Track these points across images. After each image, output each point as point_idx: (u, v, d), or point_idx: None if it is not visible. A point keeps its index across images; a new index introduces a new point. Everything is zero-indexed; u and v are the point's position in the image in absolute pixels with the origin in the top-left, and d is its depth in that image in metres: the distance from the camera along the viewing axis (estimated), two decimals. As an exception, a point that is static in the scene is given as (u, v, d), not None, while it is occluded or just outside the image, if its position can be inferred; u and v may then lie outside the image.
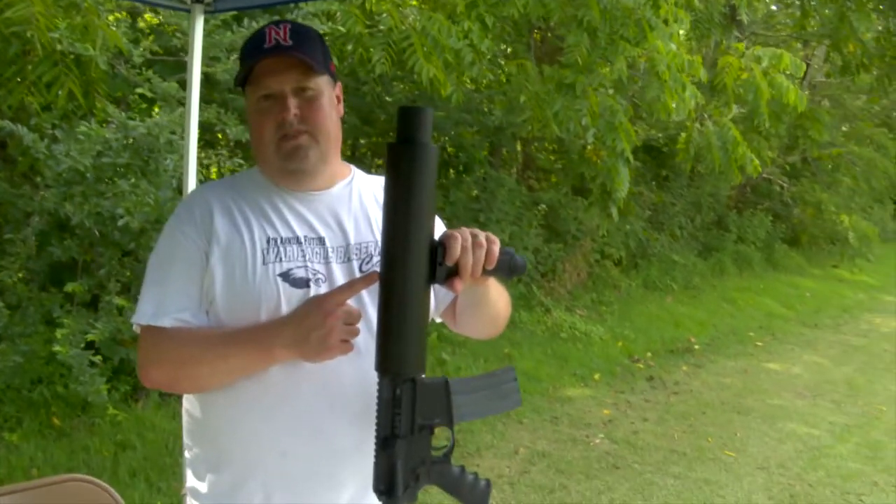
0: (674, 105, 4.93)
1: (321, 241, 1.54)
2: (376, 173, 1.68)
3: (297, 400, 1.47)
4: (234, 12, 4.95)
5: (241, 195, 1.56)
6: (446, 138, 9.01)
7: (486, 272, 1.34)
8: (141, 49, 4.74)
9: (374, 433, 1.29)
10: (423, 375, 1.31)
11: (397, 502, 1.27)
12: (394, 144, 1.25)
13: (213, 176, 5.55)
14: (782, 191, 13.71)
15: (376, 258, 1.56)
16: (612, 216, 6.28)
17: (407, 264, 1.26)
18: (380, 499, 1.28)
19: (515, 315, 7.46)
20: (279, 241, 1.51)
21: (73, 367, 4.20)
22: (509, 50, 8.60)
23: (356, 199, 1.62)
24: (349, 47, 4.88)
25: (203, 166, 5.35)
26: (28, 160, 4.63)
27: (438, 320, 1.72)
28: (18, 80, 3.69)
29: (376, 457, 1.29)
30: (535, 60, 6.87)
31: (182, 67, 5.23)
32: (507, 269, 1.36)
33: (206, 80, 4.88)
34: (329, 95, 1.55)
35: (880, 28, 8.06)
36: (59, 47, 3.63)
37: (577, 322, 8.09)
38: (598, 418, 5.79)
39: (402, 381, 1.28)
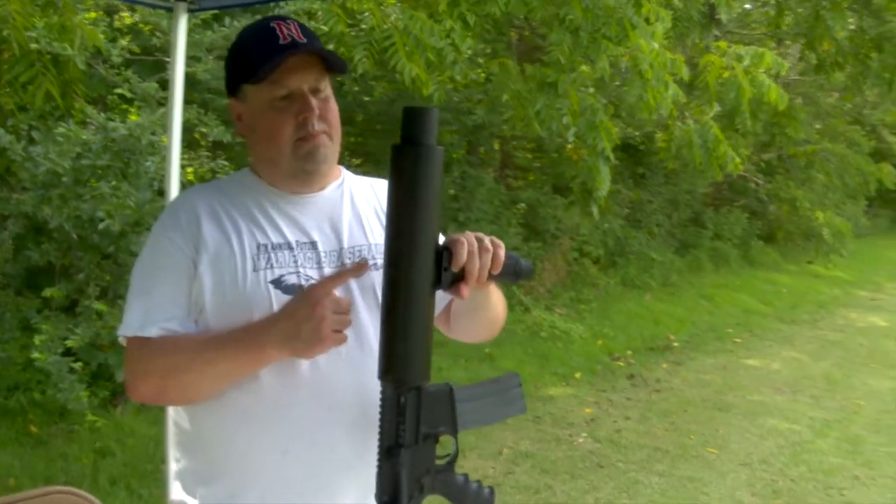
0: (656, 104, 4.94)
1: (313, 245, 1.50)
2: (357, 174, 1.67)
3: (292, 408, 1.43)
4: (214, 12, 4.89)
5: (228, 199, 1.52)
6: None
7: (491, 277, 1.32)
8: (119, 49, 4.68)
9: (373, 441, 1.26)
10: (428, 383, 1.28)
11: (401, 513, 1.23)
12: (398, 145, 1.22)
13: (190, 177, 5.48)
14: (758, 188, 13.82)
15: (370, 262, 1.53)
16: (592, 215, 6.29)
17: (412, 269, 1.22)
18: (383, 510, 1.25)
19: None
20: (270, 246, 1.47)
21: (51, 373, 4.13)
22: (489, 49, 8.59)
23: (348, 202, 1.58)
24: (331, 46, 4.83)
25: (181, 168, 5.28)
26: (4, 162, 4.55)
27: None
28: (-6, 80, 3.63)
29: (379, 467, 1.26)
30: (516, 59, 6.86)
31: (161, 67, 5.16)
32: (512, 274, 1.34)
33: (187, 80, 4.82)
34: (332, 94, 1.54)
35: (852, 27, 8.13)
36: (35, 46, 3.56)
37: (557, 321, 8.09)
38: (580, 417, 5.79)
39: (406, 389, 1.25)
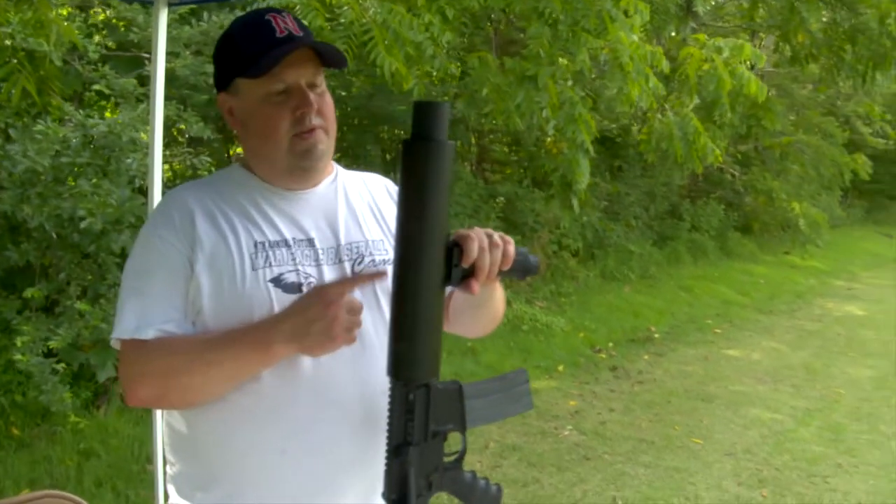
0: (637, 96, 4.94)
1: (311, 242, 1.47)
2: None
3: (291, 407, 1.40)
4: (192, 6, 4.83)
5: (221, 197, 1.48)
6: (401, 132, 8.95)
7: (500, 273, 1.31)
8: (95, 44, 4.61)
9: (374, 440, 1.25)
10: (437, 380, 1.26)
11: (409, 511, 1.22)
12: (409, 141, 1.19)
13: (168, 174, 5.42)
14: (734, 179, 13.92)
15: (367, 259, 1.51)
16: (573, 208, 6.29)
17: (422, 266, 1.20)
18: (391, 508, 1.23)
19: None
20: (267, 244, 1.44)
21: (33, 374, 4.07)
22: (465, 42, 8.56)
23: (343, 198, 1.56)
24: (310, 41, 4.79)
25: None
26: (-19, 160, 4.48)
27: None
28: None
29: (387, 464, 1.24)
30: (495, 52, 6.85)
31: (138, 63, 5.09)
32: (521, 270, 1.33)
33: (165, 75, 4.76)
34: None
35: (825, 19, 8.19)
36: (10, 42, 3.50)
37: (538, 314, 8.10)
38: (565, 410, 5.81)
39: (415, 386, 1.23)
